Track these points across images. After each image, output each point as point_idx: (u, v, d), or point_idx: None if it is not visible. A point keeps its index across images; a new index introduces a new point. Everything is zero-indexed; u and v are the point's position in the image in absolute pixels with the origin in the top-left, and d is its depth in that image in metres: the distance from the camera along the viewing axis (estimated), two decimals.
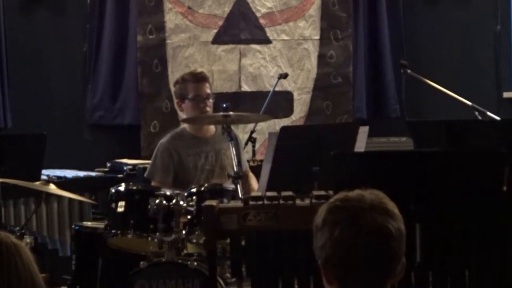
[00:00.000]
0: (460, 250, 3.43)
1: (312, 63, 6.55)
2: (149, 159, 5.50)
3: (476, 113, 4.96)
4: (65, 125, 6.45)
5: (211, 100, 4.80)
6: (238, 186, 4.13)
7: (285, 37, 6.51)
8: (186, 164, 4.77)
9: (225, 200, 3.96)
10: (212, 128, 4.87)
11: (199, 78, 4.83)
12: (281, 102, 6.40)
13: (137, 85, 6.42)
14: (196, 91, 4.79)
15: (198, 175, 4.77)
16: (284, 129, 4.49)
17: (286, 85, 6.44)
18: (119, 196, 4.27)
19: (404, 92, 5.97)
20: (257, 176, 4.70)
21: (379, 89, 6.76)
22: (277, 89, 5.90)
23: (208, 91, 4.82)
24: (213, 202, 3.54)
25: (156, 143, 5.05)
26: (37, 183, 4.52)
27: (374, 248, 1.98)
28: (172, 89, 6.32)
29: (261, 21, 6.48)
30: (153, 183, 4.78)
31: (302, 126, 6.02)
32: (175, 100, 4.97)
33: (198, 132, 4.87)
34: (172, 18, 6.42)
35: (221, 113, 4.38)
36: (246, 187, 4.60)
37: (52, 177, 5.17)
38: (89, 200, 5.21)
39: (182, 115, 4.95)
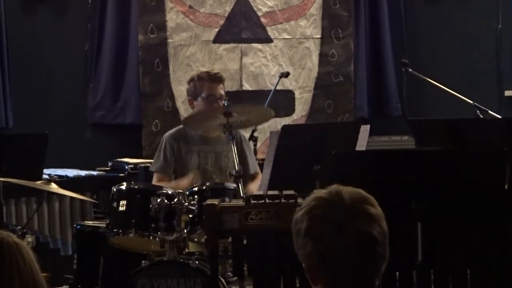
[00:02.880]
0: (462, 249, 3.43)
1: (313, 62, 6.55)
2: (150, 158, 5.51)
3: (478, 111, 4.96)
4: (67, 124, 6.46)
5: (224, 102, 4.81)
6: (240, 185, 4.13)
7: (286, 36, 6.51)
8: (184, 160, 4.81)
9: (226, 199, 3.96)
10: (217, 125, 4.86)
11: (215, 78, 4.87)
12: (282, 101, 6.40)
13: (139, 84, 6.42)
14: (211, 90, 4.82)
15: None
16: (285, 128, 4.49)
17: (287, 84, 6.44)
18: (120, 195, 4.27)
19: (406, 91, 5.97)
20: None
21: (381, 88, 6.75)
22: (278, 88, 5.89)
23: (222, 92, 4.86)
24: (215, 201, 3.54)
25: (158, 142, 5.07)
26: (39, 182, 4.52)
27: (360, 256, 1.96)
28: (175, 88, 6.37)
29: (262, 20, 6.48)
30: (155, 175, 4.86)
31: (304, 125, 6.02)
32: (187, 98, 4.97)
33: (203, 130, 4.87)
34: (173, 17, 6.42)
35: (222, 108, 4.41)
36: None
37: (54, 176, 5.15)
38: (90, 199, 5.21)
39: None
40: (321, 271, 1.99)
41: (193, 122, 4.68)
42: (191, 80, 4.95)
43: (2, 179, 4.56)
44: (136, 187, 4.37)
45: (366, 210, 1.99)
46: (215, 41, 6.43)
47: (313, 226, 1.99)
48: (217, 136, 4.86)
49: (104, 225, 4.35)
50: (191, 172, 4.74)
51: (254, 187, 4.70)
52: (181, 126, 4.95)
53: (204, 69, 5.23)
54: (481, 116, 4.90)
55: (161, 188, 4.24)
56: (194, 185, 4.32)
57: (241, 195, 4.00)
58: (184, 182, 4.68)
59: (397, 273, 3.41)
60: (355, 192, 2.02)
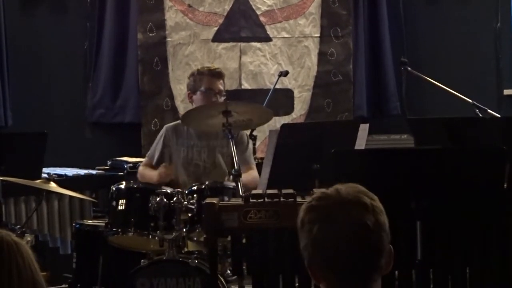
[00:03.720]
0: (461, 248, 3.43)
1: (312, 61, 6.55)
2: None
3: (477, 110, 4.96)
4: (66, 123, 6.46)
5: (222, 98, 4.83)
6: (239, 183, 4.13)
7: (285, 35, 6.51)
8: (177, 153, 4.82)
9: (225, 198, 3.97)
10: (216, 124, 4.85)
11: (214, 73, 4.91)
12: (281, 100, 6.40)
13: (138, 83, 6.42)
14: (210, 85, 4.85)
15: (186, 167, 4.81)
16: (284, 126, 4.49)
17: (286, 82, 6.44)
18: (119, 194, 4.27)
19: (405, 90, 5.98)
20: (258, 173, 4.70)
21: (380, 86, 6.75)
22: (277, 86, 5.89)
23: (221, 87, 4.88)
24: (214, 200, 3.54)
25: None
26: (38, 181, 4.52)
27: (353, 244, 1.96)
28: (174, 87, 6.37)
29: (261, 18, 6.48)
30: (144, 161, 5.03)
31: (303, 124, 6.02)
32: (187, 92, 4.99)
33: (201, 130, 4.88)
34: (172, 16, 6.42)
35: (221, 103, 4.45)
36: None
37: (53, 175, 5.18)
38: (89, 198, 5.21)
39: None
40: (319, 264, 1.99)
41: (192, 119, 4.66)
42: (192, 74, 4.98)
43: (1, 178, 4.56)
44: (135, 186, 4.38)
45: (361, 200, 1.99)
46: (214, 40, 6.43)
47: (308, 216, 2.02)
48: (214, 130, 4.85)
49: (103, 224, 4.35)
50: (163, 165, 4.81)
51: (245, 177, 4.69)
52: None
53: (206, 65, 5.26)
54: (480, 115, 4.90)
55: (160, 187, 4.24)
56: (193, 184, 4.32)
57: (240, 194, 4.00)
58: (152, 174, 4.82)
59: (396, 272, 3.41)
60: (353, 186, 2.04)
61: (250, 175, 4.75)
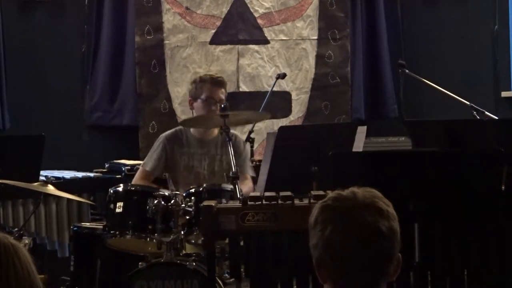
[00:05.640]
0: (459, 250, 3.43)
1: (310, 63, 6.56)
2: None
3: (474, 112, 4.96)
4: (64, 126, 6.46)
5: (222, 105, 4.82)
6: (237, 186, 4.13)
7: (283, 37, 6.52)
8: (178, 162, 4.81)
9: (223, 201, 3.96)
10: (215, 130, 4.84)
11: (216, 82, 4.86)
12: (279, 102, 6.40)
13: (135, 86, 6.43)
14: (211, 93, 4.81)
15: (187, 175, 4.79)
16: (282, 129, 4.49)
17: (284, 85, 6.45)
18: (117, 196, 4.27)
19: (402, 92, 5.97)
20: (256, 176, 4.69)
21: (377, 89, 6.76)
22: (275, 89, 5.89)
23: (222, 96, 4.84)
24: (212, 203, 3.53)
25: None
26: (36, 184, 4.51)
27: (364, 248, 1.96)
28: (172, 89, 6.38)
29: (259, 21, 6.48)
30: (140, 169, 4.88)
31: (301, 126, 6.02)
32: (188, 98, 4.97)
33: (200, 133, 4.87)
34: (170, 18, 6.42)
35: (219, 114, 4.39)
36: None
37: (51, 178, 5.15)
38: (87, 201, 5.21)
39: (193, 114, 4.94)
40: (327, 264, 1.99)
41: (191, 124, 4.69)
42: (194, 81, 4.95)
43: None
44: (133, 188, 4.37)
45: (375, 204, 2.00)
46: (212, 42, 6.43)
47: (322, 214, 2.02)
48: (213, 138, 4.85)
49: (101, 226, 4.34)
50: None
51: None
52: (179, 127, 4.95)
53: (209, 72, 5.23)
54: (478, 117, 4.90)
55: (158, 189, 4.24)
56: (191, 187, 4.32)
57: (238, 196, 4.00)
58: None
59: None
60: (369, 190, 2.04)
61: (246, 185, 4.72)
